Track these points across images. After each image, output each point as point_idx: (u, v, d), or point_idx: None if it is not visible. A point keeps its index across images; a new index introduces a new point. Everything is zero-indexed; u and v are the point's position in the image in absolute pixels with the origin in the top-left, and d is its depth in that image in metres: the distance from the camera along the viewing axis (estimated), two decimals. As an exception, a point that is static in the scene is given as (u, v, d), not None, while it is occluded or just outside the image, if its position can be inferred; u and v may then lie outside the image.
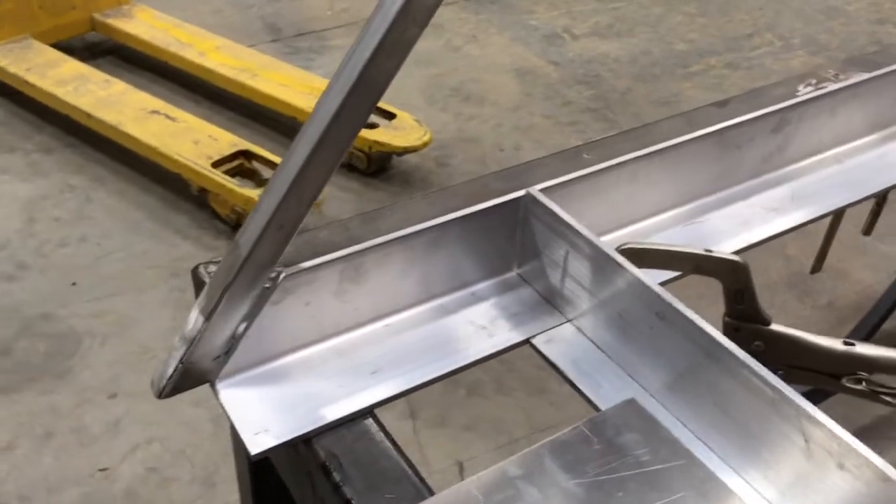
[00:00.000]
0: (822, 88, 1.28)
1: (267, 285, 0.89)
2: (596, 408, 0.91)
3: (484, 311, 1.02)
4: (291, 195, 0.83)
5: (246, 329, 0.89)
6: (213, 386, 0.91)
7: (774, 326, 1.00)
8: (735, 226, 1.16)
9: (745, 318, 1.00)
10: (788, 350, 1.01)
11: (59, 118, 3.25)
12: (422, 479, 0.84)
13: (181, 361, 0.88)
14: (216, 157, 2.83)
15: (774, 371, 1.02)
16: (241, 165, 2.88)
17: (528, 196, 1.00)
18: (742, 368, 0.81)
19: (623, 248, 0.97)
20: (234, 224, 2.80)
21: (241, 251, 0.85)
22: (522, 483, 0.82)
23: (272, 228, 0.84)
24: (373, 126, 3.08)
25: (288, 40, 3.97)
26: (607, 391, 0.93)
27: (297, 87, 3.23)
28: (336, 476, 0.84)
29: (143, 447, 2.21)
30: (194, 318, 0.88)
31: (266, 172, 2.87)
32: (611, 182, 1.07)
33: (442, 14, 4.24)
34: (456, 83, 3.71)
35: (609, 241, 1.03)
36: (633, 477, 0.83)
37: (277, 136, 3.29)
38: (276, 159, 2.87)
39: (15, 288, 2.65)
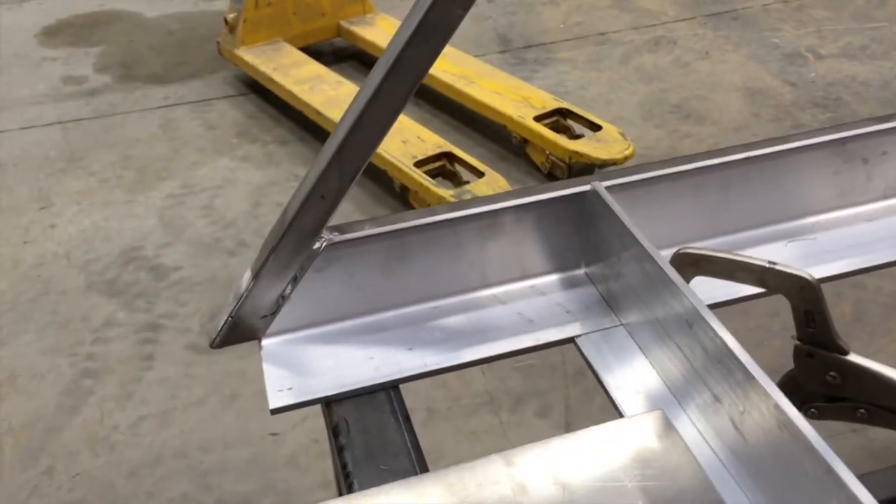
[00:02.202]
0: None
1: (312, 251, 0.94)
2: (620, 413, 0.86)
3: (538, 306, 1.00)
4: (333, 168, 0.88)
5: (291, 291, 0.94)
6: (259, 342, 0.97)
7: (853, 357, 0.89)
8: (849, 248, 1.04)
9: (817, 344, 0.89)
10: (869, 386, 0.89)
11: (296, 114, 3.55)
12: (420, 458, 0.85)
13: (231, 315, 0.95)
14: (420, 157, 2.96)
15: (855, 410, 0.91)
16: (442, 167, 2.99)
17: (592, 192, 0.97)
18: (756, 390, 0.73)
19: (680, 253, 0.91)
20: (427, 222, 2.90)
21: (287, 217, 0.91)
22: (508, 470, 0.80)
23: (315, 198, 0.89)
24: (576, 137, 3.07)
25: (516, 51, 4.05)
26: (639, 399, 0.87)
27: (510, 95, 3.29)
28: (342, 440, 0.87)
29: (311, 419, 2.36)
30: (245, 277, 0.95)
31: (466, 175, 2.95)
32: (693, 186, 1.01)
33: (676, 29, 4.13)
34: (678, 100, 3.58)
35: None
36: (631, 488, 0.78)
37: (486, 141, 3.37)
38: (477, 163, 2.95)
39: (233, 262, 2.94)
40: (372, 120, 0.85)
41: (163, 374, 2.51)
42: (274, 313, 0.95)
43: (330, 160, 0.87)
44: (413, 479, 0.80)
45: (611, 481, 0.79)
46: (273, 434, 2.34)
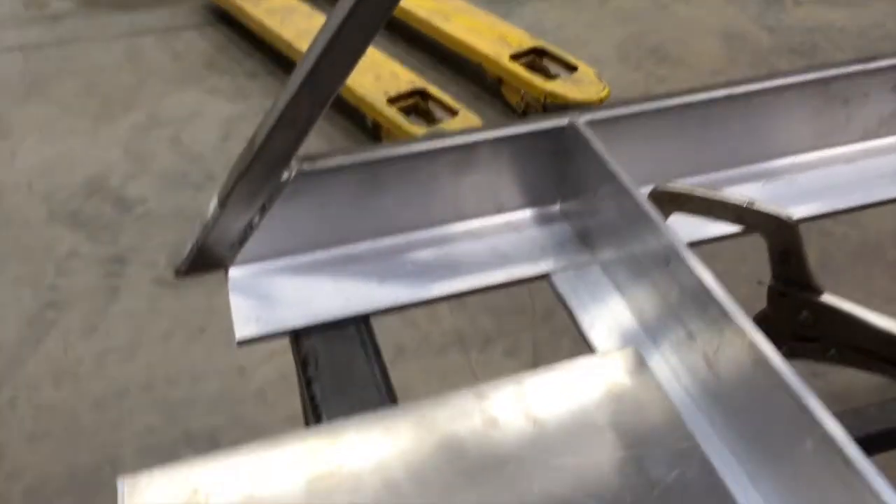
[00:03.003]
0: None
1: (282, 179, 0.91)
2: (593, 351, 0.86)
3: (512, 241, 0.98)
4: (304, 93, 0.84)
5: (260, 220, 0.92)
6: (226, 272, 0.95)
7: (827, 297, 0.89)
8: (825, 189, 1.03)
9: (792, 284, 0.89)
10: (842, 326, 0.89)
11: (266, 46, 3.46)
12: (390, 391, 0.83)
13: (196, 243, 0.92)
14: (393, 94, 2.90)
15: (826, 351, 0.91)
16: (416, 104, 2.94)
17: (571, 126, 0.95)
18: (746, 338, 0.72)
19: (658, 190, 0.90)
20: (399, 159, 2.87)
21: (256, 143, 0.88)
22: (480, 404, 0.79)
23: (285, 123, 0.86)
24: (552, 77, 3.03)
25: (495, -12, 3.97)
26: (612, 336, 0.87)
27: (486, 33, 3.23)
28: (311, 372, 0.85)
29: (280, 355, 2.34)
30: (212, 204, 0.92)
31: (439, 113, 2.91)
32: (674, 123, 0.99)
33: (657, -29, 4.06)
34: (655, 43, 3.55)
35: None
36: (602, 424, 0.77)
37: (461, 79, 3.32)
38: (451, 101, 2.90)
39: (201, 196, 2.89)
40: (346, 41, 0.81)
41: (128, 307, 2.47)
42: (241, 242, 0.93)
43: (301, 84, 0.83)
44: (383, 411, 0.79)
45: (582, 416, 0.78)
46: (241, 369, 2.33)
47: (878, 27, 3.62)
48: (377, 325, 0.92)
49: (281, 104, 0.85)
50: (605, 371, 0.82)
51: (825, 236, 2.63)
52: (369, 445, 0.75)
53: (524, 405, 0.79)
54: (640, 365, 0.82)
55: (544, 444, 0.76)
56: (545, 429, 0.77)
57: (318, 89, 0.84)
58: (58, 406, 2.20)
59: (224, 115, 3.24)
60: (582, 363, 0.83)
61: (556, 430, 0.77)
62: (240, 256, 0.94)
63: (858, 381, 1.98)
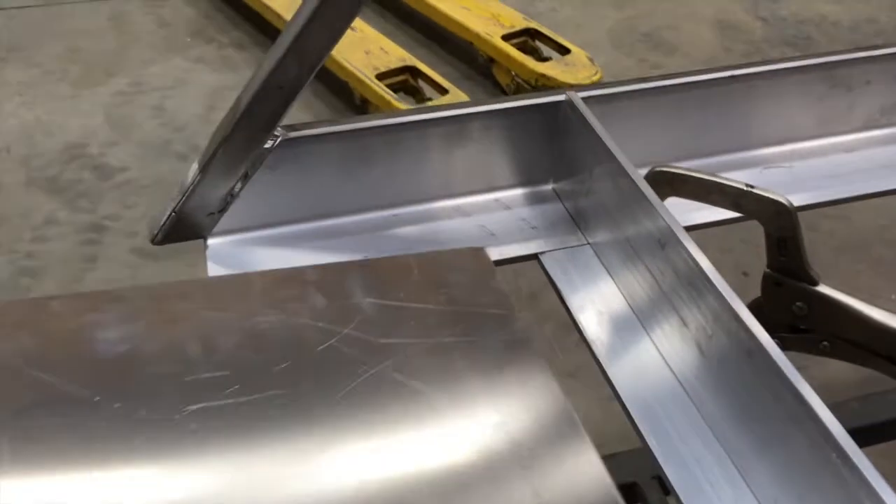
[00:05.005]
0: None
1: (265, 146, 0.87)
2: (581, 332, 0.83)
3: (501, 220, 0.95)
4: (291, 55, 0.81)
5: (241, 189, 0.88)
6: (205, 241, 0.91)
7: (822, 288, 0.87)
8: (824, 178, 1.01)
9: (788, 273, 0.87)
10: (836, 318, 0.87)
11: (254, 17, 3.40)
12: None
13: (174, 210, 0.88)
14: (382, 70, 2.86)
15: (818, 342, 0.89)
16: (405, 81, 2.89)
17: (567, 102, 0.92)
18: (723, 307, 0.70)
19: (655, 171, 0.87)
20: (387, 137, 2.83)
21: (240, 107, 0.84)
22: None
23: (271, 87, 0.82)
24: (544, 59, 2.99)
25: (487, -33, 3.91)
26: (602, 320, 0.84)
27: (479, 11, 3.18)
28: (289, 347, 0.82)
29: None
30: (192, 170, 0.88)
31: (429, 91, 2.87)
32: (673, 104, 0.96)
33: (652, -44, 4.02)
34: (649, 29, 3.51)
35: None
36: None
37: (452, 58, 3.27)
38: (441, 80, 2.86)
39: (183, 167, 2.80)
40: (337, 2, 0.78)
41: (106, 275, 2.42)
42: (222, 211, 0.89)
43: (289, 46, 0.80)
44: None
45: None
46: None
47: (871, 22, 3.60)
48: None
49: (267, 67, 0.81)
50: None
51: (811, 231, 2.61)
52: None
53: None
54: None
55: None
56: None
57: (307, 53, 0.80)
58: (30, 375, 2.15)
59: (210, 85, 3.18)
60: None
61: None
62: (219, 226, 0.90)
63: (841, 375, 1.97)
